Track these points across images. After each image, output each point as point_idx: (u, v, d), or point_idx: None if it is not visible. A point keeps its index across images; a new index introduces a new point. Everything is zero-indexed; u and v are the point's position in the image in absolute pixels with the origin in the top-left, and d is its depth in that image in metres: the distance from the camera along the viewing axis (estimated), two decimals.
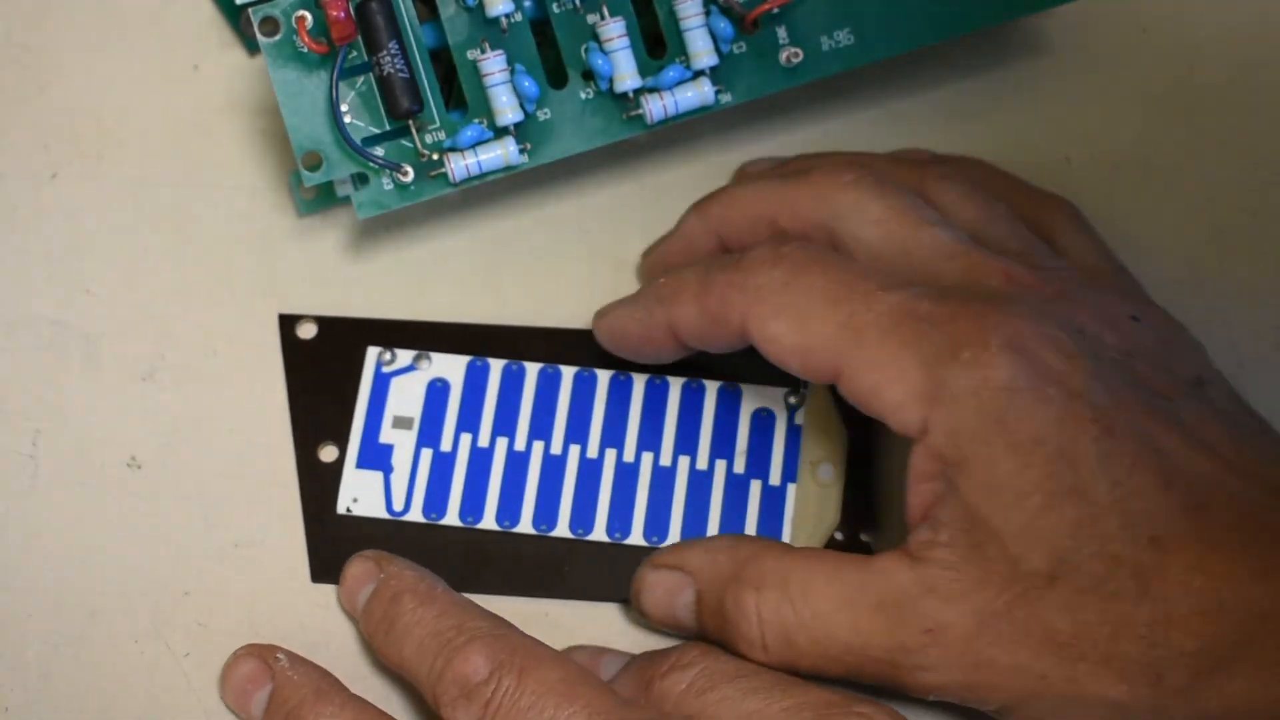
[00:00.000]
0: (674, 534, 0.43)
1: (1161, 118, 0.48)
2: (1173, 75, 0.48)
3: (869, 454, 0.44)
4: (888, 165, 0.44)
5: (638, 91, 0.43)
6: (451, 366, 0.45)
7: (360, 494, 0.43)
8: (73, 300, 0.45)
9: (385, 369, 0.44)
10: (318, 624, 0.42)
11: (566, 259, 0.46)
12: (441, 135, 0.43)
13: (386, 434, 0.44)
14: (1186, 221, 0.47)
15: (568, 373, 0.44)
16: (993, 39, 0.48)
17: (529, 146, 0.43)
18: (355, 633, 0.42)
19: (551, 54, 0.43)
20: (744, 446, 0.44)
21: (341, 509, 0.43)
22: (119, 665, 0.42)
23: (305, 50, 0.42)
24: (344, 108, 0.42)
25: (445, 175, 0.42)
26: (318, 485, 0.44)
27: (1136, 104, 0.48)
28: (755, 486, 0.44)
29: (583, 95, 0.43)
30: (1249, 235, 0.47)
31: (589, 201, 0.47)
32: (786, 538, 0.43)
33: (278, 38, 0.42)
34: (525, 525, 0.43)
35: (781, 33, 0.44)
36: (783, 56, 0.44)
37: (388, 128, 0.42)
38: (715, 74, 0.43)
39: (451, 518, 0.43)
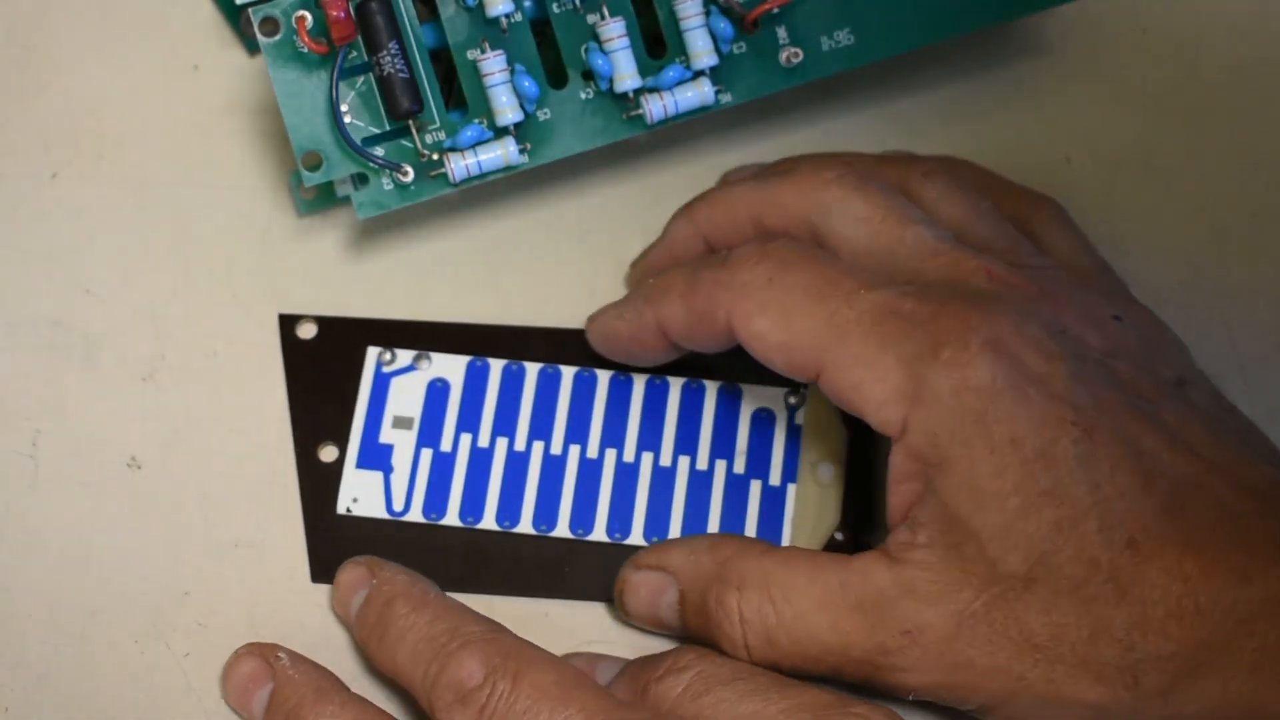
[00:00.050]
0: (674, 534, 0.43)
1: (1161, 118, 0.48)
2: (1173, 75, 0.48)
3: (869, 454, 0.44)
4: (872, 164, 0.44)
5: (638, 91, 0.43)
6: (451, 366, 0.45)
7: (360, 494, 0.43)
8: (73, 300, 0.45)
9: (385, 369, 0.44)
10: (318, 624, 0.42)
11: (566, 259, 0.46)
12: (441, 135, 0.43)
13: (386, 434, 0.44)
14: (1186, 221, 0.47)
15: (568, 373, 0.44)
16: (993, 39, 0.48)
17: (529, 146, 0.43)
18: None
19: (551, 54, 0.43)
20: (744, 447, 0.44)
21: (341, 509, 0.43)
22: (119, 665, 0.42)
23: (305, 50, 0.42)
24: (344, 108, 0.42)
25: (445, 175, 0.42)
26: (318, 485, 0.44)
27: (1136, 104, 0.48)
28: (755, 487, 0.44)
29: (583, 95, 0.43)
30: (1249, 235, 0.47)
31: (589, 201, 0.47)
32: (786, 538, 0.43)
33: (278, 38, 0.42)
34: (525, 525, 0.43)
35: (781, 33, 0.44)
36: (783, 56, 0.44)
37: (388, 128, 0.42)
38: (715, 74, 0.43)
39: (451, 518, 0.43)
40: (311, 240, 0.46)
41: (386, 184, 0.42)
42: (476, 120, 0.43)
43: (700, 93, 0.43)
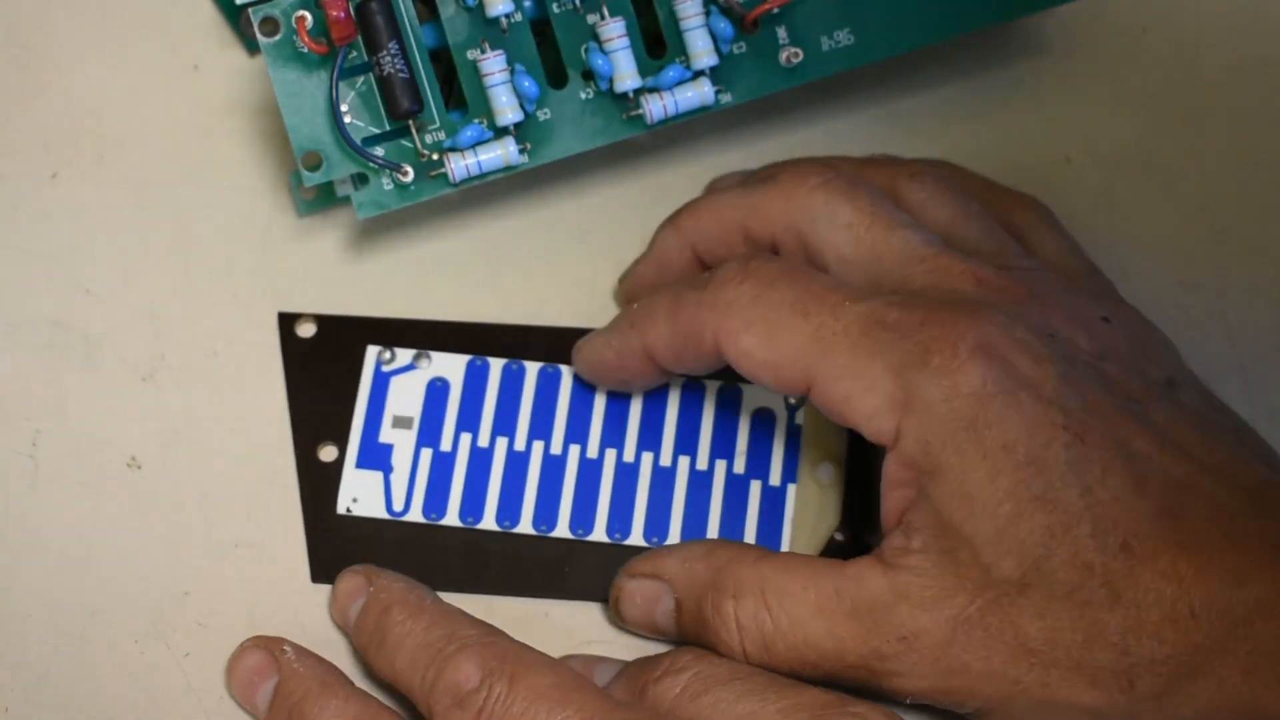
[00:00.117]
0: (674, 534, 0.43)
1: (1161, 118, 0.48)
2: (1173, 75, 0.48)
3: (869, 455, 0.44)
4: (857, 167, 0.44)
5: (638, 91, 0.43)
6: (451, 366, 0.45)
7: (360, 494, 0.43)
8: (73, 300, 0.45)
9: (385, 368, 0.44)
10: (318, 624, 0.42)
11: (566, 259, 0.46)
12: (441, 135, 0.43)
13: (386, 434, 0.44)
14: (1186, 221, 0.47)
15: (568, 372, 0.44)
16: (993, 39, 0.48)
17: (529, 146, 0.43)
18: None
19: (551, 54, 0.43)
20: (744, 447, 0.44)
21: (341, 509, 0.43)
22: (119, 665, 0.42)
23: (305, 50, 0.42)
24: (344, 108, 0.42)
25: (445, 175, 0.42)
26: (318, 485, 0.44)
27: (1136, 104, 0.48)
28: (755, 487, 0.44)
29: (583, 95, 0.43)
30: (1249, 235, 0.47)
31: (589, 201, 0.47)
32: (786, 538, 0.43)
33: (278, 38, 0.42)
34: (525, 525, 0.43)
35: (781, 33, 0.44)
36: (783, 56, 0.44)
37: (388, 128, 0.42)
38: (715, 74, 0.43)
39: (451, 518, 0.43)
40: (311, 240, 0.46)
41: (386, 184, 0.42)
42: (476, 120, 0.43)
43: (700, 93, 0.43)
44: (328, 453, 0.44)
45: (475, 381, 0.44)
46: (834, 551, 0.43)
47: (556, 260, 0.46)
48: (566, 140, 0.43)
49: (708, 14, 0.43)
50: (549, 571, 0.43)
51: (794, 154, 0.47)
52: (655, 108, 0.43)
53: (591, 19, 0.43)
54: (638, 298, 0.44)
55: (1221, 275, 0.46)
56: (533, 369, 0.44)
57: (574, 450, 0.44)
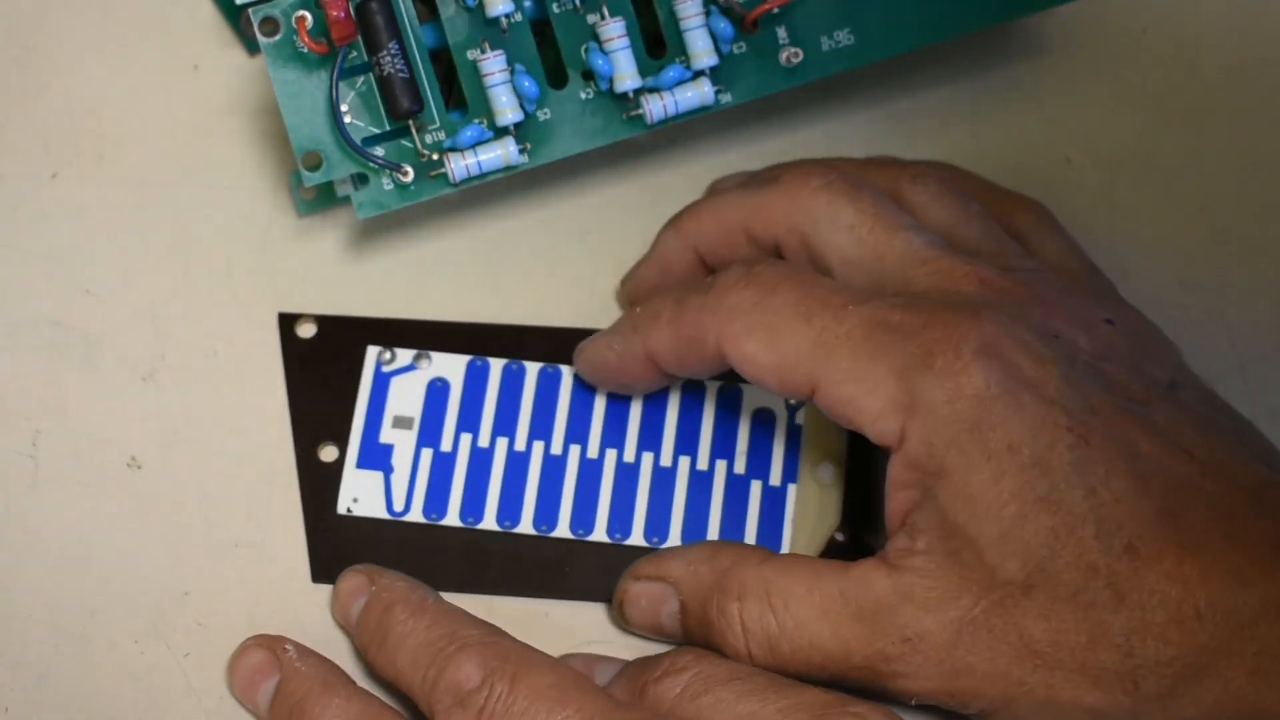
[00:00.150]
0: (674, 534, 0.43)
1: (1161, 118, 0.48)
2: (1173, 75, 0.48)
3: (869, 455, 0.44)
4: (859, 169, 0.44)
5: (638, 91, 0.43)
6: (451, 366, 0.45)
7: (360, 494, 0.43)
8: (73, 300, 0.45)
9: (385, 368, 0.44)
10: (317, 624, 0.42)
11: (566, 259, 0.46)
12: (441, 135, 0.43)
13: (387, 434, 0.44)
14: (1186, 221, 0.47)
15: (568, 372, 0.44)
16: (993, 39, 0.48)
17: (529, 146, 0.43)
18: None
19: (551, 54, 0.43)
20: (744, 447, 0.44)
21: (342, 509, 0.43)
22: (119, 665, 0.42)
23: (305, 50, 0.42)
24: (344, 108, 0.42)
25: (445, 175, 0.42)
26: (318, 485, 0.44)
27: (1136, 104, 0.48)
28: (756, 487, 0.44)
29: (583, 95, 0.43)
30: (1249, 235, 0.47)
31: (589, 201, 0.47)
32: (786, 538, 0.43)
33: (278, 38, 0.42)
34: (526, 525, 0.43)
35: (781, 33, 0.44)
36: (783, 56, 0.44)
37: (388, 128, 0.42)
38: (715, 74, 0.43)
39: (452, 518, 0.43)
40: (311, 240, 0.46)
41: (386, 184, 0.42)
42: (476, 120, 0.43)
43: (700, 93, 0.43)
44: (328, 453, 0.44)
45: (475, 382, 0.44)
46: (834, 552, 0.43)
47: (556, 260, 0.46)
48: (566, 140, 0.43)
49: (708, 14, 0.43)
50: (549, 572, 0.43)
51: (794, 154, 0.47)
52: (655, 108, 0.43)
53: (591, 19, 0.43)
54: (640, 300, 0.44)
55: (1221, 275, 0.46)
56: (533, 369, 0.44)
57: (574, 450, 0.44)
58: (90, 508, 0.43)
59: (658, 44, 0.43)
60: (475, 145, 0.42)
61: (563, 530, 0.43)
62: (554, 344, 0.45)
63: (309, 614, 0.42)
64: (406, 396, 0.44)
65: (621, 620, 0.42)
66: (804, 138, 0.47)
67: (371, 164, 0.42)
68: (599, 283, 0.46)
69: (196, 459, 0.44)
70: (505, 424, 0.44)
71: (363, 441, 0.44)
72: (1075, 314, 0.40)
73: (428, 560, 0.43)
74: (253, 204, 0.46)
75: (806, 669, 0.39)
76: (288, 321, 0.45)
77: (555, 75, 0.43)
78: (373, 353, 0.45)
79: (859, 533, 0.43)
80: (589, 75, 0.43)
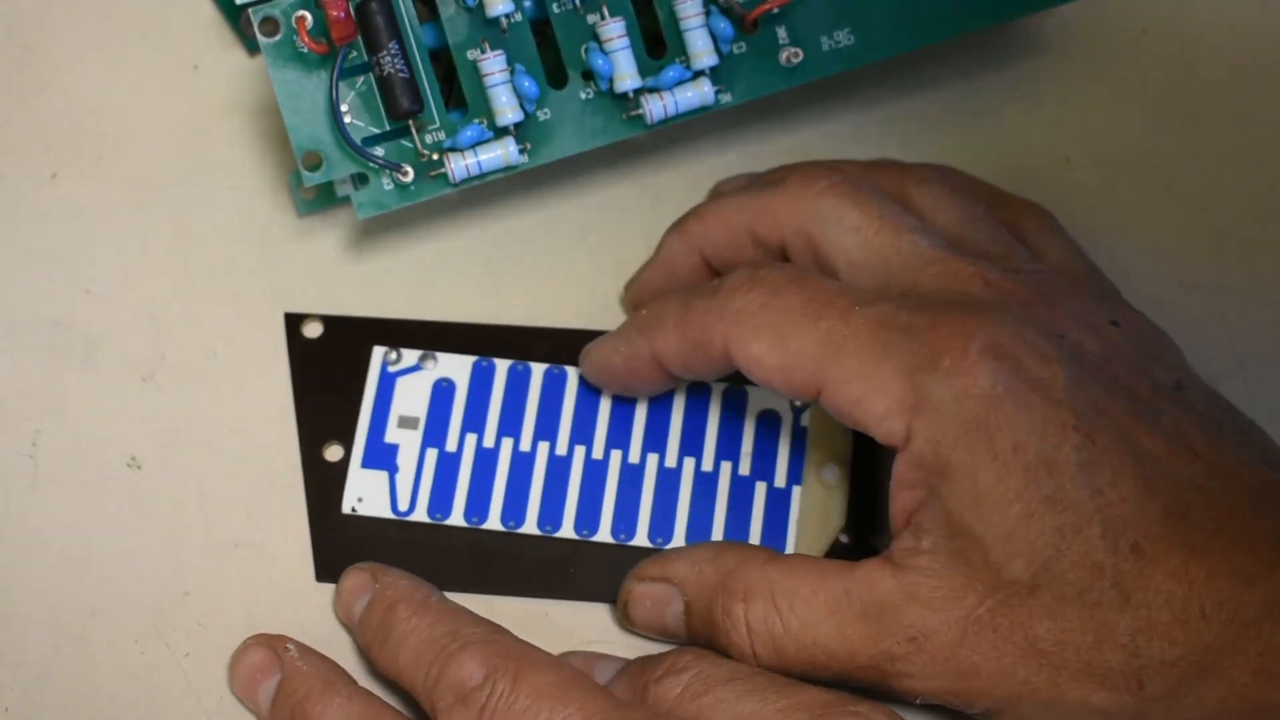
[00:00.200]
0: (679, 535, 0.43)
1: (1161, 118, 0.48)
2: (1173, 75, 0.48)
3: (874, 456, 0.44)
4: (863, 171, 0.44)
5: (638, 91, 0.43)
6: (457, 366, 0.45)
7: (365, 494, 0.43)
8: (73, 300, 0.45)
9: (391, 369, 0.44)
10: (317, 624, 0.42)
11: (567, 259, 0.46)
12: (441, 135, 0.43)
13: (392, 434, 0.44)
14: (1186, 221, 0.47)
15: (573, 373, 0.44)
16: (993, 39, 0.48)
17: (529, 146, 0.43)
18: None
19: (551, 54, 0.43)
20: (749, 448, 0.44)
21: (346, 509, 0.43)
22: (119, 665, 0.42)
23: (305, 50, 0.42)
24: (344, 108, 0.42)
25: (445, 175, 0.42)
26: (323, 485, 0.44)
27: (1136, 104, 0.48)
28: (760, 488, 0.44)
29: (583, 95, 0.43)
30: (1249, 235, 0.47)
31: (589, 201, 0.47)
32: (791, 540, 0.43)
33: (278, 38, 0.42)
34: (530, 526, 0.43)
35: (781, 33, 0.44)
36: (783, 56, 0.44)
37: (388, 128, 0.42)
38: (715, 74, 0.43)
39: (456, 518, 0.43)
40: (312, 240, 0.46)
41: (386, 184, 0.42)
42: (476, 120, 0.43)
43: (700, 93, 0.43)
44: (333, 452, 0.44)
45: (481, 382, 0.44)
46: (838, 553, 0.43)
47: (556, 260, 0.46)
48: (566, 140, 0.43)
49: (708, 14, 0.43)
50: (554, 572, 0.43)
51: (794, 155, 0.47)
52: (655, 108, 0.43)
53: (591, 19, 0.43)
54: (645, 304, 0.44)
55: (1221, 275, 0.46)
56: (538, 370, 0.44)
57: (579, 451, 0.44)
58: (90, 508, 0.43)
59: (658, 44, 0.43)
60: (475, 145, 0.42)
61: (567, 531, 0.43)
62: (559, 345, 0.45)
63: (309, 614, 0.42)
64: (412, 397, 0.44)
65: (626, 621, 0.42)
66: (804, 138, 0.47)
67: (371, 164, 0.42)
68: (599, 283, 0.46)
69: (196, 459, 0.44)
70: (510, 424, 0.44)
71: (368, 441, 0.44)
72: (1081, 315, 0.40)
73: (432, 560, 0.43)
74: (253, 204, 0.46)
75: (811, 669, 0.39)
76: (294, 321, 0.45)
77: (555, 75, 0.43)
78: (378, 353, 0.44)
79: (864, 534, 0.43)
80: (589, 75, 0.43)
